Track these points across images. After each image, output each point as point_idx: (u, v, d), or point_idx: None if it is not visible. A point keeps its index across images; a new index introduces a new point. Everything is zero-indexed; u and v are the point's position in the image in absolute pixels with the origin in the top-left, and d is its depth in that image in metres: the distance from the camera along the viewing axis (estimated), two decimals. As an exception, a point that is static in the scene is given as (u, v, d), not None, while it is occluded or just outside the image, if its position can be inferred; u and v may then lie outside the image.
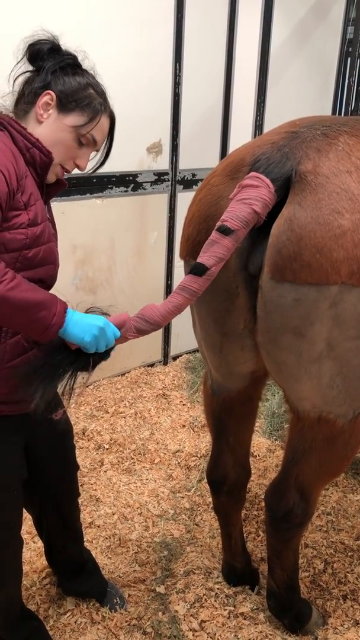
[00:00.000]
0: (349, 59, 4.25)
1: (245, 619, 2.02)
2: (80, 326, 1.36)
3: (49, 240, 1.48)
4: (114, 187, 3.36)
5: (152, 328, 1.44)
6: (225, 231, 1.38)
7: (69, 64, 1.50)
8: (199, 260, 1.40)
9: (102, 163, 1.64)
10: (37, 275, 1.45)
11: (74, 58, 1.52)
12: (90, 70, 1.54)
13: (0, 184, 1.29)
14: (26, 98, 1.49)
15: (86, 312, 1.50)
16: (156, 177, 3.60)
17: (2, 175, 1.30)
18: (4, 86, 1.53)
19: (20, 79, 1.51)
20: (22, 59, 1.49)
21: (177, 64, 3.46)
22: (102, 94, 1.53)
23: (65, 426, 1.80)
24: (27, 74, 1.51)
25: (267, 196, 1.40)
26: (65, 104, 1.47)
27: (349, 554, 2.35)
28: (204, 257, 1.40)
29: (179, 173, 3.72)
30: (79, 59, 1.53)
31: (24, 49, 1.49)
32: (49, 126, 1.47)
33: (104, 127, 1.54)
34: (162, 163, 3.62)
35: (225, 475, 1.97)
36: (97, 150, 1.59)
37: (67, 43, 1.56)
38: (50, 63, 1.47)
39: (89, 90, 1.50)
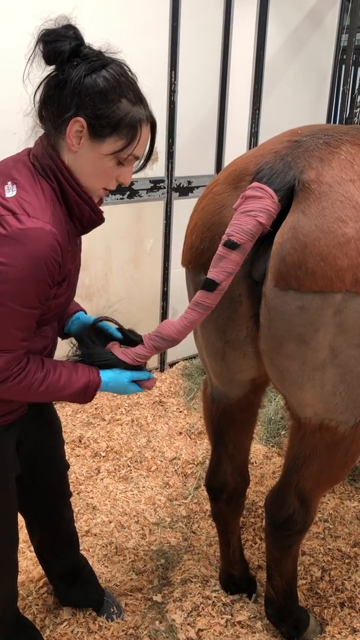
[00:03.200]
0: (344, 66, 4.26)
1: (242, 628, 2.01)
2: (115, 388, 1.50)
3: (73, 285, 1.53)
4: (109, 195, 3.36)
5: (169, 345, 1.48)
6: (232, 246, 1.38)
7: (95, 68, 1.26)
8: (208, 275, 1.41)
9: (142, 168, 1.45)
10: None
11: (99, 56, 1.29)
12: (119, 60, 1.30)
13: (44, 289, 1.31)
14: (53, 122, 1.31)
15: (97, 321, 1.56)
16: (152, 185, 3.60)
17: (47, 284, 1.31)
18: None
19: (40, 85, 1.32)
20: (32, 55, 1.27)
21: (173, 72, 3.47)
22: (137, 96, 1.32)
23: (52, 419, 1.81)
24: (50, 90, 1.30)
25: (271, 207, 1.40)
26: (98, 131, 1.28)
27: (346, 561, 2.35)
28: (214, 273, 1.41)
29: (175, 180, 3.72)
30: (103, 51, 1.30)
31: (37, 44, 1.25)
32: (85, 157, 1.32)
33: (145, 139, 1.36)
34: (158, 170, 3.62)
35: (225, 482, 1.97)
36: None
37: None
38: (74, 76, 1.24)
39: (122, 101, 1.28)
